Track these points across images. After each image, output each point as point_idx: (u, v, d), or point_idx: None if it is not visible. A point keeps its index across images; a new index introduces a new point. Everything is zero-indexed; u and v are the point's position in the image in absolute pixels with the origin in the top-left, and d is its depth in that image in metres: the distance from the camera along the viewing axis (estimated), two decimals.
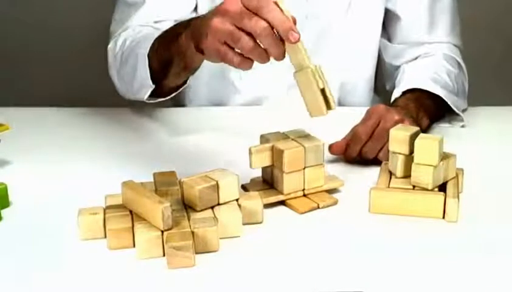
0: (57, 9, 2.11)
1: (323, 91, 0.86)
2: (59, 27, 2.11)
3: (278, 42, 0.82)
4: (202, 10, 1.27)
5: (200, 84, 1.37)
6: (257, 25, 0.81)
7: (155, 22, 1.23)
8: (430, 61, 1.29)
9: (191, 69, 1.01)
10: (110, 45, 1.26)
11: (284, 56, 0.84)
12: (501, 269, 0.76)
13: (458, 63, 1.31)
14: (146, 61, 1.07)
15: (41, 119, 1.25)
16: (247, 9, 0.81)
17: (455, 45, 1.34)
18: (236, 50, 0.84)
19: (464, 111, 1.23)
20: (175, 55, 0.99)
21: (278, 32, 0.81)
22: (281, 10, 0.82)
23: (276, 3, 0.82)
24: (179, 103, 1.40)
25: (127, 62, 1.16)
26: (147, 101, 1.13)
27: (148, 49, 1.07)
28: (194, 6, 1.28)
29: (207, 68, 1.34)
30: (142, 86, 1.10)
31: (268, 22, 0.81)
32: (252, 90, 1.33)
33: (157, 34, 1.07)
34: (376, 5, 1.31)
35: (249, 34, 0.82)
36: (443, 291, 0.73)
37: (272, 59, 0.85)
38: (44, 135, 1.17)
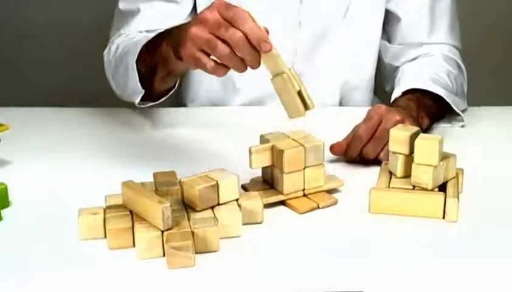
0: (57, 9, 2.11)
1: (299, 93, 0.87)
2: (59, 26, 2.11)
3: (253, 51, 0.84)
4: None
5: (201, 85, 1.38)
6: (233, 34, 0.84)
7: (148, 31, 1.25)
8: (430, 62, 1.29)
9: (173, 75, 1.04)
10: (105, 51, 1.29)
11: (259, 64, 0.86)
12: (502, 269, 0.76)
13: (458, 64, 1.31)
14: (135, 68, 1.09)
15: (41, 119, 1.25)
16: (224, 19, 0.85)
17: (455, 47, 1.34)
18: (212, 57, 0.87)
19: (464, 111, 1.23)
20: (158, 62, 1.02)
21: (252, 42, 0.84)
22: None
23: (249, 14, 0.84)
24: (180, 103, 1.41)
25: (119, 68, 1.18)
26: (139, 106, 1.15)
27: (136, 56, 1.09)
28: (185, 16, 1.29)
29: None
30: (134, 91, 1.13)
31: (243, 32, 0.83)
32: (253, 90, 1.33)
33: (145, 40, 1.09)
34: (376, 7, 1.31)
35: (225, 42, 0.85)
36: (443, 291, 0.73)
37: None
38: (44, 135, 1.17)
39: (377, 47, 1.35)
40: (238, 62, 0.86)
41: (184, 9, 1.30)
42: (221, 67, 0.88)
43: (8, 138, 1.04)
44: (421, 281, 0.74)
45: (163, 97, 1.14)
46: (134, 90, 1.12)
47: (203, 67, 0.88)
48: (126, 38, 1.25)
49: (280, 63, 0.86)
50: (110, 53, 1.25)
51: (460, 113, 1.19)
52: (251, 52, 0.84)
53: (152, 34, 1.12)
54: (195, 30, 0.87)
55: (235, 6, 0.85)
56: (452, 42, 1.33)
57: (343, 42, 1.32)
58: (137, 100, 1.13)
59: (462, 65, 1.32)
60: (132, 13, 1.28)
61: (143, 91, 1.11)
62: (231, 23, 0.84)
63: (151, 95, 1.13)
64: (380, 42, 1.36)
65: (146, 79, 1.09)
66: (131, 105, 1.24)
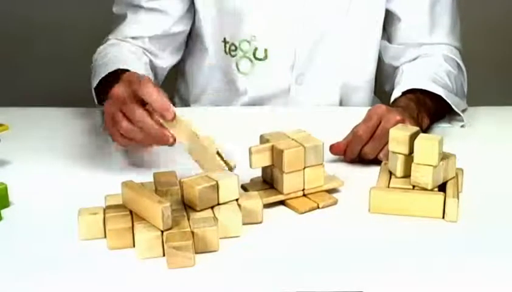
0: (58, 8, 2.10)
1: (219, 154, 0.90)
2: (59, 26, 2.10)
3: (154, 126, 0.90)
4: (205, 16, 1.31)
5: (205, 85, 1.38)
6: (133, 111, 0.90)
7: (132, 38, 1.30)
8: (430, 62, 1.29)
9: None
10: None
11: (171, 141, 0.90)
12: (502, 269, 0.76)
13: (458, 64, 1.31)
14: (94, 94, 1.16)
15: (41, 119, 1.25)
16: (131, 91, 0.90)
17: (455, 47, 1.34)
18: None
19: (464, 111, 1.23)
20: None
21: (156, 109, 0.89)
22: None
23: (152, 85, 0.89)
24: (184, 103, 1.42)
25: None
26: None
27: (94, 86, 1.16)
28: (173, 23, 1.31)
29: (211, 69, 1.36)
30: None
31: (147, 102, 0.89)
32: (257, 91, 1.33)
33: (103, 74, 1.14)
34: (376, 7, 1.31)
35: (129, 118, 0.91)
36: (443, 291, 0.73)
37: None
38: (44, 135, 1.17)
39: (378, 48, 1.35)
40: (143, 139, 0.91)
41: (170, 17, 1.31)
42: (131, 142, 0.93)
43: (8, 138, 1.04)
44: (421, 281, 0.74)
45: None
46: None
47: (119, 143, 0.96)
48: (104, 50, 1.28)
49: (191, 130, 0.90)
50: (93, 58, 1.29)
51: (460, 113, 1.19)
52: (152, 128, 0.89)
53: (139, 44, 1.26)
54: (106, 106, 0.95)
55: (139, 78, 0.91)
56: (452, 42, 1.33)
57: (344, 42, 1.32)
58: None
59: (462, 65, 1.32)
60: (121, 18, 1.31)
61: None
62: (135, 96, 0.90)
63: None
64: (380, 42, 1.36)
65: None
66: None
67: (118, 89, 0.92)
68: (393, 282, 0.74)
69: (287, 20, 1.28)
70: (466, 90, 1.32)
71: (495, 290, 0.73)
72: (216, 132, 1.15)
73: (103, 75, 1.13)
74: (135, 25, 1.30)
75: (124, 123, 0.91)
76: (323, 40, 1.31)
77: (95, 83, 1.15)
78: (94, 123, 1.22)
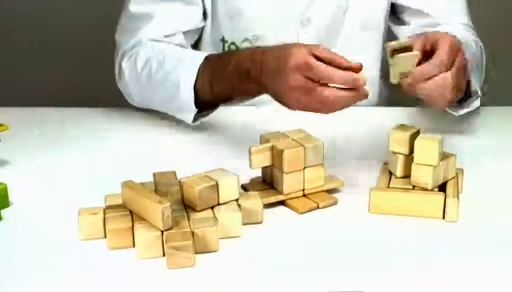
0: (58, 8, 2.11)
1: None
2: (60, 26, 2.11)
3: (351, 75, 0.90)
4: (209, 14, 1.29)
5: None
6: (325, 70, 0.89)
7: (166, 36, 1.22)
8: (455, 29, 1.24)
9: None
10: (125, 61, 1.21)
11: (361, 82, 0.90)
12: (501, 269, 0.76)
13: (476, 41, 1.29)
14: (192, 93, 1.10)
15: (41, 119, 1.25)
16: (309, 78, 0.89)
17: (470, 26, 1.32)
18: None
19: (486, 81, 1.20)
20: (237, 95, 1.06)
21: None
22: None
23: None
24: None
25: (161, 86, 1.15)
26: (193, 124, 1.14)
27: (194, 80, 1.09)
28: (201, 16, 1.27)
29: None
30: (181, 109, 1.13)
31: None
32: None
33: (199, 62, 1.09)
34: (377, 5, 1.31)
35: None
36: (443, 291, 0.73)
37: None
38: (44, 135, 1.17)
39: (380, 47, 1.34)
40: (344, 97, 0.91)
41: (200, 11, 1.27)
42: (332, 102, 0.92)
43: (8, 138, 1.04)
44: (421, 281, 0.74)
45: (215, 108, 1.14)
46: (183, 109, 1.12)
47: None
48: (153, 49, 1.19)
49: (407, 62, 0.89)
50: (136, 66, 1.19)
51: (478, 89, 1.12)
52: (348, 75, 0.90)
53: (175, 42, 1.19)
54: (289, 79, 0.90)
55: (314, 64, 0.89)
56: (467, 22, 1.31)
57: (344, 43, 1.31)
58: (191, 120, 1.13)
59: (480, 42, 1.27)
60: (147, 17, 1.22)
61: (196, 110, 1.11)
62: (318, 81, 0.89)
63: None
64: (394, 28, 1.35)
65: (206, 102, 1.11)
66: (131, 105, 1.25)
67: (297, 55, 0.90)
68: (393, 282, 0.74)
69: (290, 20, 1.28)
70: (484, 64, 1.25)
71: (495, 290, 0.73)
72: (216, 132, 1.16)
73: (200, 63, 1.09)
74: (169, 21, 1.23)
75: (321, 88, 0.90)
76: (325, 39, 1.30)
77: (189, 80, 1.10)
78: (94, 123, 1.23)
